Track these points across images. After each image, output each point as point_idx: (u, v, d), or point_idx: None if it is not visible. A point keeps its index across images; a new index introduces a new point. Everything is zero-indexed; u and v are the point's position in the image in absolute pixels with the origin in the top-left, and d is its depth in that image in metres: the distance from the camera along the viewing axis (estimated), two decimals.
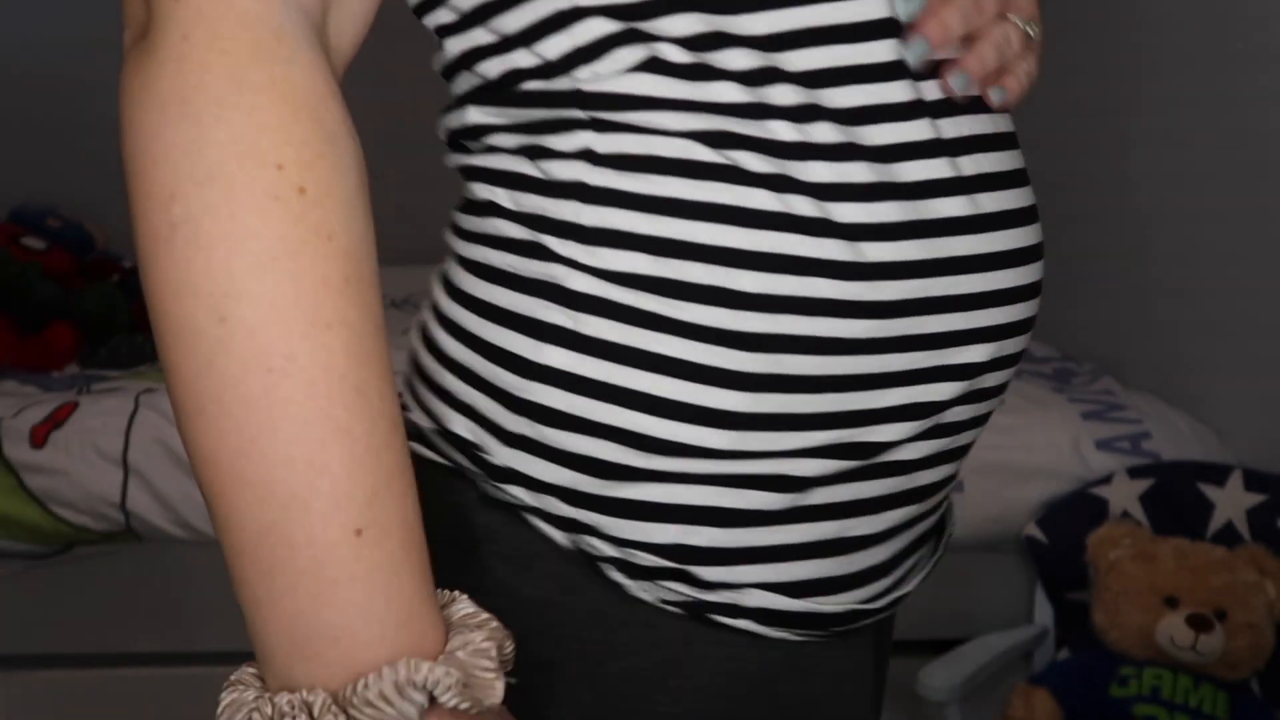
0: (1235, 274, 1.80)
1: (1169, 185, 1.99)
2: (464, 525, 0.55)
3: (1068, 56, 2.41)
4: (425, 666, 0.42)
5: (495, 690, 0.43)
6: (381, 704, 0.41)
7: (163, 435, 1.75)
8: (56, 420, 1.78)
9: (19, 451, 1.75)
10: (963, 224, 0.53)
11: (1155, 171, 2.04)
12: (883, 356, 0.52)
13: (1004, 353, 0.57)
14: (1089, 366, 2.20)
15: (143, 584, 1.80)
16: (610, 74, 0.51)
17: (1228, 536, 1.62)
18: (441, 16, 0.55)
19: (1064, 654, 1.65)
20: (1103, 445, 1.81)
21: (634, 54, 0.50)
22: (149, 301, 0.43)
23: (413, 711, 0.41)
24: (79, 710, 1.85)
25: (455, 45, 0.55)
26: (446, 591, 0.47)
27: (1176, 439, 1.81)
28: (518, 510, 0.54)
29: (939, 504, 0.62)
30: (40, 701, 1.84)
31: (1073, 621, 1.69)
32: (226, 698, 0.43)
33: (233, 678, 0.44)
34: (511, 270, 0.53)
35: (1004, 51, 0.55)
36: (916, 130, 0.52)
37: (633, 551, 0.52)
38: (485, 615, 0.46)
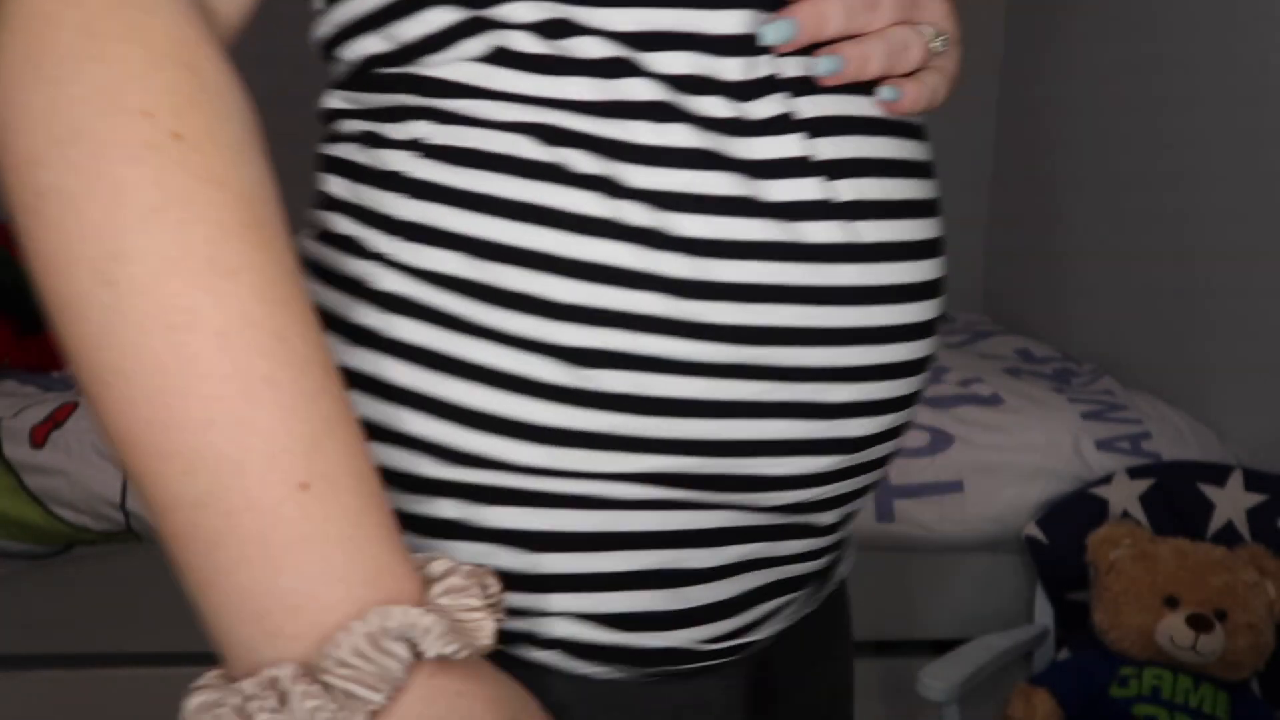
0: (1235, 274, 1.80)
1: (1169, 185, 1.99)
2: None
3: (1068, 56, 2.42)
4: (398, 612, 0.37)
5: (484, 629, 0.39)
6: (358, 661, 0.36)
7: None
8: (56, 420, 1.79)
9: (19, 451, 1.76)
10: (836, 251, 0.49)
11: (1155, 171, 2.04)
12: (724, 382, 0.48)
13: (876, 396, 0.51)
14: (1089, 366, 2.20)
15: (143, 584, 1.80)
16: (452, 61, 0.48)
17: (1228, 536, 1.62)
18: (315, 1, 0.53)
19: (1064, 654, 1.65)
20: (1103, 445, 1.81)
21: (482, 43, 0.47)
22: (35, 283, 0.39)
23: (395, 666, 0.37)
24: (79, 710, 1.85)
25: (322, 29, 0.52)
26: (423, 554, 0.42)
27: (1176, 439, 1.82)
28: None
29: (821, 547, 0.56)
30: (40, 701, 1.84)
31: (1073, 621, 1.69)
32: (192, 703, 0.37)
33: (195, 684, 0.39)
34: (332, 266, 0.50)
35: (897, 55, 0.51)
36: (785, 146, 0.48)
37: None
38: (467, 565, 0.41)
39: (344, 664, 0.36)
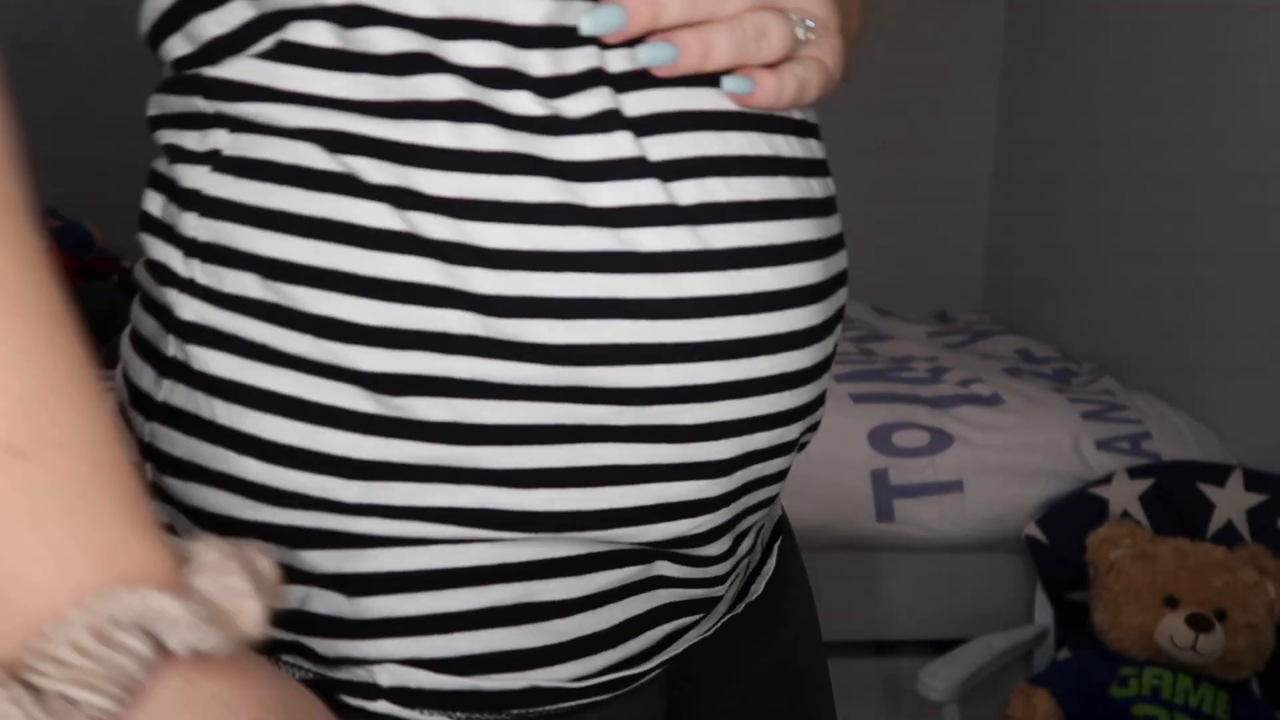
0: (1235, 274, 1.80)
1: (1169, 185, 1.99)
2: None
3: (1068, 56, 2.42)
4: (131, 597, 0.30)
5: (246, 613, 0.32)
6: (76, 658, 0.29)
7: None
8: None
9: None
10: (681, 260, 0.44)
11: (1155, 171, 2.04)
12: (554, 406, 0.43)
13: (740, 415, 0.46)
14: (1089, 366, 2.20)
15: None
16: (243, 58, 0.43)
17: (1228, 536, 1.62)
18: None
19: (1064, 654, 1.65)
20: (1103, 445, 1.81)
21: (274, 37, 0.43)
22: None
23: (129, 664, 0.29)
24: None
25: (141, 27, 0.48)
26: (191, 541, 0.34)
27: (1176, 439, 1.82)
28: None
29: (716, 575, 0.51)
30: None
31: (1073, 621, 1.69)
32: None
33: None
34: (148, 294, 0.46)
35: (752, 44, 0.45)
36: (610, 146, 0.43)
37: None
38: (230, 543, 0.34)
39: (61, 662, 0.29)
